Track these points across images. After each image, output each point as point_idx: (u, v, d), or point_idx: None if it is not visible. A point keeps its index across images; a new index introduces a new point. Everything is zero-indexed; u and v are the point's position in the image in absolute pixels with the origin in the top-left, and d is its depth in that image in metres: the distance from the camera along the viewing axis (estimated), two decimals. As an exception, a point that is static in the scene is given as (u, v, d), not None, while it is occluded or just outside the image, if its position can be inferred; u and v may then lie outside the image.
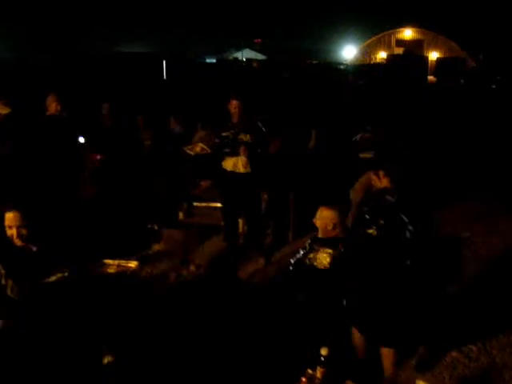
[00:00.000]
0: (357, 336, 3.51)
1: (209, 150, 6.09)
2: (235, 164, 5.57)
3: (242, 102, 5.58)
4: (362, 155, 5.92)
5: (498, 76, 25.04)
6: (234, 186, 5.62)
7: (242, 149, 5.44)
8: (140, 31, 44.60)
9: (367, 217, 3.33)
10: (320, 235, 3.77)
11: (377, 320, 3.33)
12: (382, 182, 3.48)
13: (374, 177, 3.56)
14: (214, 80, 17.11)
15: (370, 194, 3.72)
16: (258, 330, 3.96)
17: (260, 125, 5.69)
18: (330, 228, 3.69)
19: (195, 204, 6.95)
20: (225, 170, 5.65)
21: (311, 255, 3.72)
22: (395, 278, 3.25)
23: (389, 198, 3.31)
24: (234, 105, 5.58)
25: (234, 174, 5.59)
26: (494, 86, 23.29)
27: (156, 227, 6.04)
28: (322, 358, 2.70)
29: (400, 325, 3.30)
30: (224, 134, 5.60)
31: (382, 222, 3.24)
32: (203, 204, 6.98)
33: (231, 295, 4.71)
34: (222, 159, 5.66)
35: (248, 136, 5.52)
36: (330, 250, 3.62)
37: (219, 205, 6.32)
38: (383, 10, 46.04)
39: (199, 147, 6.33)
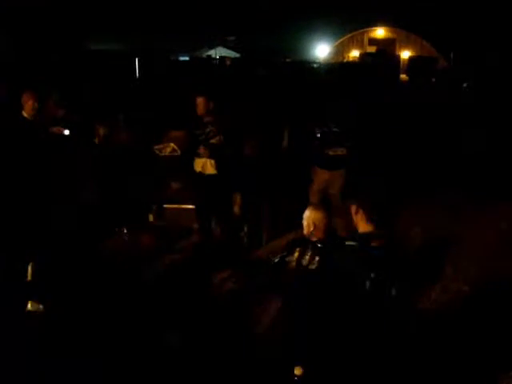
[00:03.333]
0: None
1: (179, 152, 5.95)
2: (204, 165, 5.45)
3: (207, 99, 5.45)
4: (331, 152, 5.83)
5: (468, 75, 25.36)
6: (204, 188, 5.50)
7: (201, 149, 5.33)
8: (110, 28, 43.98)
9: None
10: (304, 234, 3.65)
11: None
12: (357, 218, 2.92)
13: (351, 210, 2.97)
14: (187, 78, 16.92)
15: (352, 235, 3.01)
16: (224, 341, 3.82)
17: (233, 125, 5.59)
18: (310, 229, 3.57)
19: (166, 206, 6.78)
20: (195, 172, 5.53)
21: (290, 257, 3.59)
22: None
23: (375, 246, 2.78)
24: (198, 102, 5.46)
25: (202, 176, 5.47)
26: (464, 85, 23.55)
27: (125, 230, 5.85)
28: (296, 378, 2.53)
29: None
30: (196, 132, 5.48)
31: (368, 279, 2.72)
32: (174, 206, 6.81)
33: (202, 299, 4.59)
34: (192, 160, 5.53)
35: (218, 137, 5.39)
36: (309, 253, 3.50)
37: (190, 206, 6.18)
38: (356, 9, 46.21)
39: (170, 148, 6.18)
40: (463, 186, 7.92)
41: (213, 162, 5.43)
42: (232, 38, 48.53)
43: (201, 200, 5.72)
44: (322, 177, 5.86)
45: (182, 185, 7.20)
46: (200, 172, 5.50)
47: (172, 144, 6.24)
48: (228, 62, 29.42)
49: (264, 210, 6.01)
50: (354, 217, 2.93)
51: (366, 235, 2.84)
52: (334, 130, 5.77)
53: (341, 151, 5.79)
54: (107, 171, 5.83)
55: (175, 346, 3.71)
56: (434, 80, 26.75)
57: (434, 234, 6.25)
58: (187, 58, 34.88)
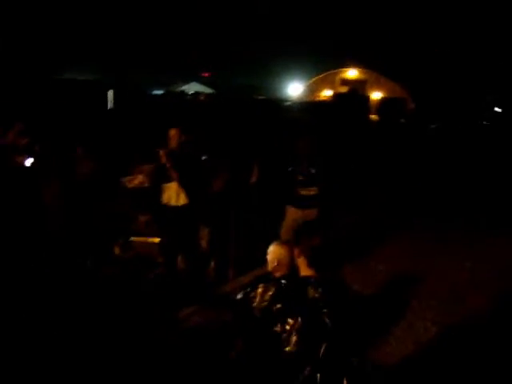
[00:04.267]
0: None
1: (147, 184, 5.88)
2: (169, 196, 5.40)
3: (180, 132, 5.44)
4: (303, 191, 5.88)
5: (436, 117, 26.16)
6: (171, 220, 5.43)
7: (172, 173, 5.29)
8: (86, 59, 44.08)
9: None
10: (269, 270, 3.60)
11: None
12: (299, 262, 2.86)
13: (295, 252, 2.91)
14: (160, 112, 16.95)
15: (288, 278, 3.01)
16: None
17: (202, 158, 5.58)
18: (274, 265, 3.53)
19: (132, 239, 6.65)
20: (161, 204, 5.46)
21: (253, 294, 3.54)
22: None
23: (311, 291, 2.68)
24: (171, 134, 5.44)
25: (169, 208, 5.41)
26: (432, 126, 24.22)
27: (89, 263, 5.72)
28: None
29: None
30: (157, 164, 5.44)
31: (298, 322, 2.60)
32: (141, 239, 6.69)
33: (167, 336, 4.49)
34: (160, 192, 5.47)
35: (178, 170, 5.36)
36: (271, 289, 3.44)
37: (157, 240, 6.09)
38: (329, 50, 47.42)
39: (138, 180, 6.11)
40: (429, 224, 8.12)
41: (179, 193, 5.38)
42: (206, 73, 49.12)
43: (166, 233, 5.64)
44: (294, 215, 5.89)
45: (149, 217, 7.11)
46: (167, 203, 5.44)
47: (140, 176, 6.18)
48: (202, 97, 29.67)
49: (231, 246, 5.96)
50: (297, 260, 2.88)
51: (304, 279, 2.79)
52: (309, 169, 5.85)
53: (314, 190, 5.86)
54: (70, 201, 5.72)
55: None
56: (403, 120, 27.41)
57: (400, 270, 6.32)
58: (161, 92, 35.07)
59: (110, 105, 20.07)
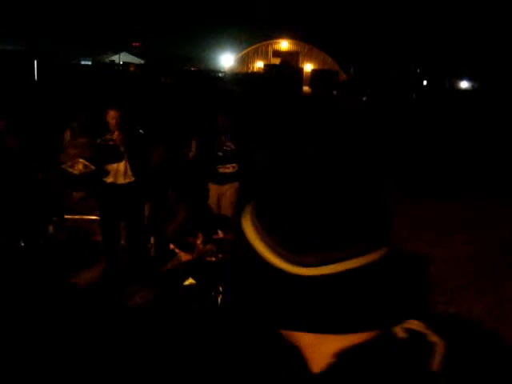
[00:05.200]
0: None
1: (93, 167, 5.64)
2: (116, 176, 5.24)
3: (120, 113, 5.23)
4: (221, 169, 5.86)
5: (367, 88, 26.68)
6: (115, 198, 5.28)
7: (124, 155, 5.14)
8: (11, 29, 41.73)
9: None
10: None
11: None
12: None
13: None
14: (89, 83, 16.35)
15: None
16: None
17: (141, 133, 5.42)
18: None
19: (67, 217, 6.44)
20: (104, 182, 5.28)
21: None
22: None
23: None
24: (111, 115, 5.22)
25: (114, 185, 5.25)
26: (364, 98, 24.73)
27: (22, 243, 5.49)
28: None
29: None
30: (103, 142, 5.24)
31: None
32: (76, 216, 6.49)
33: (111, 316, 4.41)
34: (106, 172, 5.28)
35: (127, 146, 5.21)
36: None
37: (94, 217, 5.92)
38: (261, 21, 47.24)
39: (81, 164, 5.86)
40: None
41: (123, 170, 5.23)
42: (137, 43, 47.71)
43: (110, 211, 5.48)
44: (213, 191, 5.93)
45: (84, 194, 6.90)
46: (113, 182, 5.27)
47: (81, 160, 5.91)
48: (132, 68, 28.84)
49: (170, 222, 5.91)
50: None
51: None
52: (229, 145, 5.79)
53: (232, 167, 5.83)
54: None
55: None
56: (335, 92, 27.84)
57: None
58: (89, 63, 33.85)
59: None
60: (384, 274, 0.73)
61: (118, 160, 5.19)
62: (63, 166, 5.93)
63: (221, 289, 2.88)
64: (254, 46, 43.27)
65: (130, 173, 5.24)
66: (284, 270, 0.72)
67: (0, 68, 16.37)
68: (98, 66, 30.00)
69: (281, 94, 19.11)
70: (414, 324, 0.75)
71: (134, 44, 48.46)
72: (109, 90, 13.49)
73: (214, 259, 3.15)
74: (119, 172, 5.24)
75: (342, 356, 0.73)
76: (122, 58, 40.76)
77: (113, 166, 5.22)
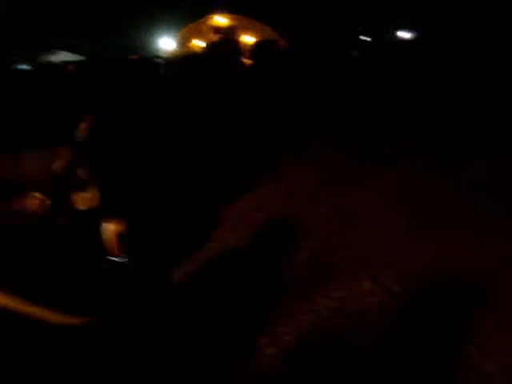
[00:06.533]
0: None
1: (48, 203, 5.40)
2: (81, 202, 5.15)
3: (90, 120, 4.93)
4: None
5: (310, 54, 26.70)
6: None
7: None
8: None
9: None
10: None
11: None
12: None
13: None
14: (33, 89, 15.91)
15: None
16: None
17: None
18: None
19: None
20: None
21: None
22: None
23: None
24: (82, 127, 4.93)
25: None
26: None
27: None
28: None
29: None
30: None
31: None
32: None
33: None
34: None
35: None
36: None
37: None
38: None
39: (35, 200, 5.60)
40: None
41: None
42: (73, 40, 46.36)
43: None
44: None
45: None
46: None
47: (35, 194, 5.52)
48: (71, 67, 28.06)
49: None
50: None
51: None
52: None
53: None
54: None
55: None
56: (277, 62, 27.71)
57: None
58: (27, 67, 32.87)
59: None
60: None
61: (78, 189, 5.08)
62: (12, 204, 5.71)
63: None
64: (191, 25, 42.63)
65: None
66: None
67: None
68: (41, 70, 29.14)
69: (219, 71, 18.97)
70: None
71: (70, 41, 47.16)
72: (51, 94, 13.17)
73: None
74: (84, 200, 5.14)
75: None
76: (59, 57, 39.68)
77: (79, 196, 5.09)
